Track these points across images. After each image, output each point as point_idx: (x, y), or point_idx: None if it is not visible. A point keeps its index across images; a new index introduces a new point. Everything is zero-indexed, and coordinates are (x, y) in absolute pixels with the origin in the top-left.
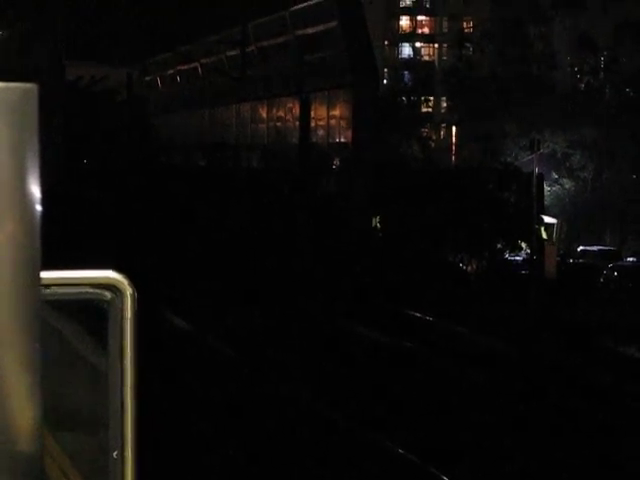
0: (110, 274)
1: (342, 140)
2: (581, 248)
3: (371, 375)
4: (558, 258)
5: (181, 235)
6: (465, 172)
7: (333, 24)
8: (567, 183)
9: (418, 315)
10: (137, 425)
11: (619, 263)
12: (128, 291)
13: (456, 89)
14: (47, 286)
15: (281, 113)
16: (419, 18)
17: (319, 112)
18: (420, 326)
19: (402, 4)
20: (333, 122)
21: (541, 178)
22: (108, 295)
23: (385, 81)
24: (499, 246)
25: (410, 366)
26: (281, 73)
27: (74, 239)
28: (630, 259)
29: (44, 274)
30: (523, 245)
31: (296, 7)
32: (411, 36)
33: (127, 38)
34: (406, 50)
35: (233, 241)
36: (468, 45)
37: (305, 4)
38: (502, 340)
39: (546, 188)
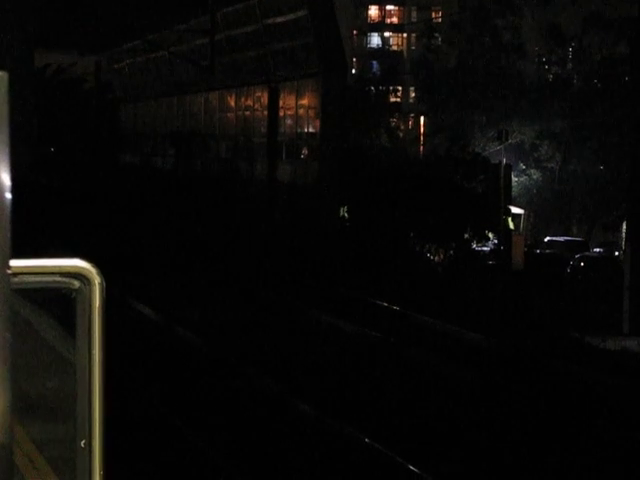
0: (78, 263)
1: (310, 130)
2: (548, 239)
3: (335, 364)
4: (525, 249)
5: (148, 224)
6: (433, 162)
7: (302, 13)
8: (535, 174)
9: (385, 304)
10: (105, 414)
11: (586, 254)
12: (96, 280)
13: (425, 79)
14: (15, 274)
15: (249, 102)
16: (388, 8)
17: (287, 101)
18: (386, 315)
19: None
20: (302, 111)
21: (509, 169)
22: (76, 284)
23: (354, 71)
24: (466, 236)
25: (376, 355)
26: (250, 62)
27: (43, 227)
28: (597, 250)
29: (12, 262)
30: (490, 235)
31: None
32: (380, 26)
33: (96, 26)
34: (375, 40)
35: (202, 230)
36: (437, 35)
37: None
38: (468, 330)
39: (514, 179)
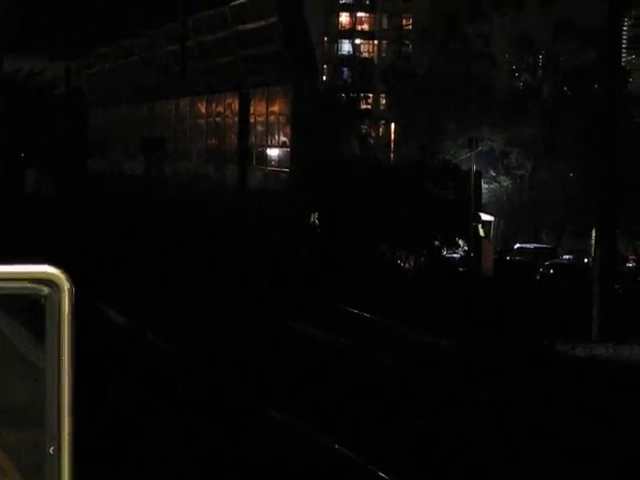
0: (47, 269)
1: (281, 136)
2: (518, 246)
3: (300, 367)
4: (495, 255)
5: (118, 231)
6: (403, 169)
7: (273, 20)
8: (505, 181)
9: (355, 311)
10: (74, 421)
11: (555, 261)
12: (66, 286)
13: (395, 86)
14: None
15: (220, 108)
16: (359, 15)
17: (258, 108)
18: (356, 322)
19: (342, 0)
20: (272, 118)
21: (479, 176)
22: (45, 290)
23: (324, 77)
24: (437, 243)
25: (343, 360)
26: (221, 68)
27: (12, 234)
28: (566, 257)
29: None
30: (460, 242)
31: (236, 2)
32: (350, 32)
33: (68, 31)
34: (345, 46)
35: (172, 237)
36: (407, 42)
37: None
38: (434, 336)
39: (484, 186)
